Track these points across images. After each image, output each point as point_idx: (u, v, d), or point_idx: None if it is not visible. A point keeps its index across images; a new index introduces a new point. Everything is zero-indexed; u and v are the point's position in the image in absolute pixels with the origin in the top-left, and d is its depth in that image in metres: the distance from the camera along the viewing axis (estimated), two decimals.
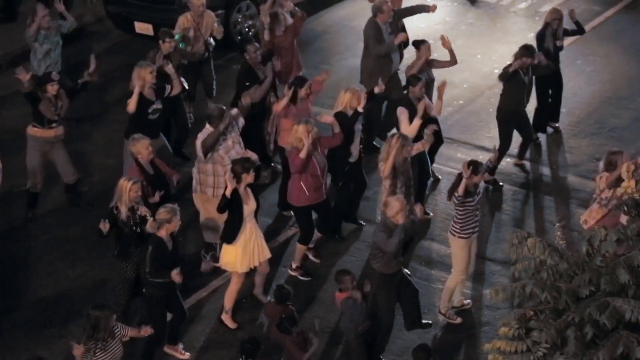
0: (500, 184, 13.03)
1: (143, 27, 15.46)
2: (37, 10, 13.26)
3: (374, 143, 13.28)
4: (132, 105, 11.69)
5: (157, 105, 11.90)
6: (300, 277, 11.44)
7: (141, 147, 10.71)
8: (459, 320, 10.86)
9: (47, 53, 13.37)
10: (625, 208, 7.73)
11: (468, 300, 11.09)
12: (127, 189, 10.01)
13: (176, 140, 13.10)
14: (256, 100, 12.29)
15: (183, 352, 10.36)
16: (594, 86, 15.24)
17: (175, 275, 9.66)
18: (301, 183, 11.02)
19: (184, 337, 10.52)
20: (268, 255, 10.73)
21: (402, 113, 11.82)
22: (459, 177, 10.45)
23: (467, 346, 10.68)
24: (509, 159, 13.38)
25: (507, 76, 12.59)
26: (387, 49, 13.17)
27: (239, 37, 15.65)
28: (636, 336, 6.87)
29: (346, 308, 9.81)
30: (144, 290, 10.00)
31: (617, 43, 16.40)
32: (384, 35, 13.24)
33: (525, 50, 12.64)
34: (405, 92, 12.18)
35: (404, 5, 14.83)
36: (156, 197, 10.53)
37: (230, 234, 10.42)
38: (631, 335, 6.88)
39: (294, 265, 11.54)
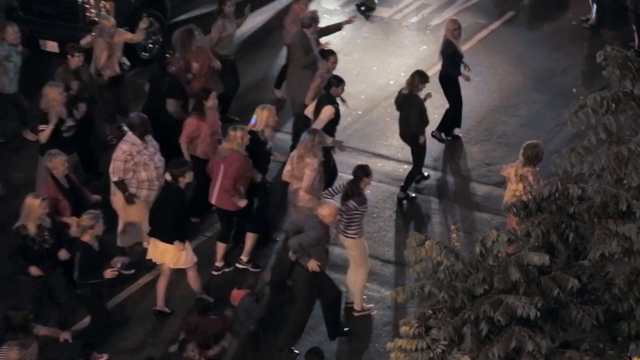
0: (413, 195, 13.14)
1: (49, 45, 15.17)
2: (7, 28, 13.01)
3: None
4: (44, 136, 11.60)
5: (70, 123, 11.76)
6: (251, 270, 11.45)
7: (57, 163, 10.63)
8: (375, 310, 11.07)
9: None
10: (515, 210, 7.88)
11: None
12: (35, 206, 9.88)
13: (91, 156, 12.84)
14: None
15: (100, 355, 10.22)
16: (482, 95, 15.50)
17: (108, 273, 9.77)
18: (241, 188, 11.11)
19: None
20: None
21: (327, 109, 12.03)
22: (353, 183, 10.70)
23: (370, 345, 10.76)
24: (405, 166, 13.51)
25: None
26: (313, 59, 13.29)
27: (144, 53, 15.48)
28: (527, 331, 7.02)
29: (245, 304, 9.79)
30: (78, 292, 9.91)
31: (502, 54, 16.71)
32: (312, 45, 13.32)
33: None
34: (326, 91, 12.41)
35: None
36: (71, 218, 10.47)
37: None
38: (523, 330, 7.02)
39: (244, 259, 11.51)
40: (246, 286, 9.93)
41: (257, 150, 11.53)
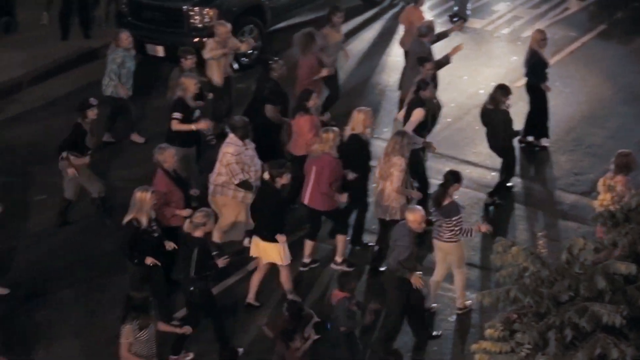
0: (500, 202, 13.04)
1: (155, 49, 15.50)
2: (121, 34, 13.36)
3: None
4: (177, 124, 11.97)
5: (199, 114, 12.24)
6: (347, 269, 11.49)
7: (167, 156, 10.84)
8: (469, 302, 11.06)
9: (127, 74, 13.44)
10: (602, 219, 7.77)
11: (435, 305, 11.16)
12: (147, 199, 10.08)
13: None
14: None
15: (186, 354, 10.31)
16: (571, 107, 15.29)
17: (221, 262, 9.98)
18: (333, 189, 11.20)
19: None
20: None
21: (418, 112, 12.05)
22: (443, 187, 10.68)
23: (455, 346, 10.71)
24: (493, 173, 13.41)
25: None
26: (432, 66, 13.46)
27: (244, 58, 15.69)
28: (612, 338, 6.89)
29: (341, 307, 9.83)
30: (192, 289, 9.95)
31: (592, 67, 16.45)
32: (430, 53, 13.64)
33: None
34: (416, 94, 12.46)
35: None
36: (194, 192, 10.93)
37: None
38: (608, 338, 6.90)
39: (339, 260, 11.59)
40: (347, 289, 9.92)
41: (362, 152, 11.54)
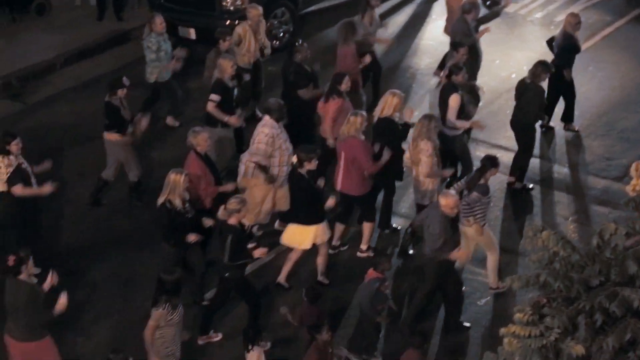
0: (530, 186, 12.96)
1: (187, 32, 15.51)
2: (155, 18, 13.33)
3: None
4: (213, 107, 11.96)
5: (237, 94, 12.25)
6: (372, 255, 11.47)
7: (201, 139, 10.85)
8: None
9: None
10: (634, 204, 7.67)
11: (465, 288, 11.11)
12: (180, 181, 10.09)
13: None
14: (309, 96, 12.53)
15: (215, 334, 10.35)
16: (604, 91, 15.12)
17: (257, 252, 9.95)
18: (365, 173, 11.14)
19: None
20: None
21: (455, 97, 12.01)
22: (478, 173, 10.53)
23: (484, 330, 10.68)
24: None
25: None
26: (473, 43, 13.50)
27: (275, 41, 15.66)
28: None
29: (370, 287, 9.80)
30: (226, 275, 9.96)
31: (627, 52, 16.25)
32: (471, 31, 13.54)
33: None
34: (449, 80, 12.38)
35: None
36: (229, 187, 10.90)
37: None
38: (638, 323, 6.82)
39: (364, 247, 11.58)
40: (380, 269, 9.90)
41: (393, 134, 11.48)
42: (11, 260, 8.84)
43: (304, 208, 10.71)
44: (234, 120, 12.15)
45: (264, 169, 11.27)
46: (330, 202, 10.84)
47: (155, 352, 9.09)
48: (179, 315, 9.07)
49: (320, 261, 11.05)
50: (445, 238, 10.11)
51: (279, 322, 10.45)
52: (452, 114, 12.10)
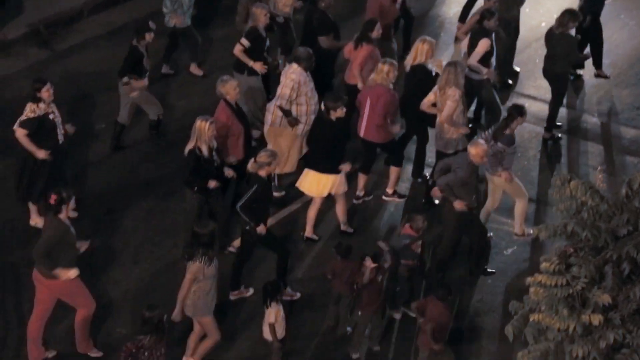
0: (559, 135, 12.86)
1: None
2: None
3: None
4: (239, 51, 11.89)
5: (269, 44, 12.17)
6: (397, 200, 11.55)
7: (229, 88, 10.81)
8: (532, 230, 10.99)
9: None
10: None
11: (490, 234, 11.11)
12: (206, 128, 10.07)
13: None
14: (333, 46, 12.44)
15: (246, 289, 10.35)
16: (636, 39, 14.89)
17: (260, 229, 9.80)
18: (388, 121, 11.09)
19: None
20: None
21: (484, 42, 11.91)
22: (505, 122, 10.55)
23: (510, 279, 10.66)
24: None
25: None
26: None
27: None
28: None
29: (400, 242, 9.81)
30: (247, 228, 9.91)
31: None
32: None
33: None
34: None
35: None
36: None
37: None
38: None
39: (390, 191, 11.57)
40: (415, 228, 9.85)
41: (426, 82, 11.39)
42: (53, 199, 8.93)
43: (326, 156, 10.66)
44: (258, 66, 12.04)
45: (286, 112, 11.23)
46: (346, 167, 10.74)
47: (191, 305, 9.06)
48: (214, 267, 9.06)
49: (340, 211, 11.04)
50: (470, 185, 10.07)
51: (307, 276, 10.51)
52: (475, 57, 11.98)
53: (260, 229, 9.81)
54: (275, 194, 11.27)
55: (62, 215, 9.01)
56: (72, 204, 9.13)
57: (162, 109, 12.30)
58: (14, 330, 9.72)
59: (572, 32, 12.58)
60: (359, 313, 9.53)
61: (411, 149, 12.01)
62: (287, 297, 10.04)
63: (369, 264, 9.33)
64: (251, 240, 10.00)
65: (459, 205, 10.01)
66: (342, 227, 11.10)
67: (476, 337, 9.99)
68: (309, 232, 11.05)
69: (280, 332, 9.29)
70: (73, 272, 9.02)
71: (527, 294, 7.16)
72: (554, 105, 12.73)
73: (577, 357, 7.01)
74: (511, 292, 10.30)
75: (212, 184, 10.16)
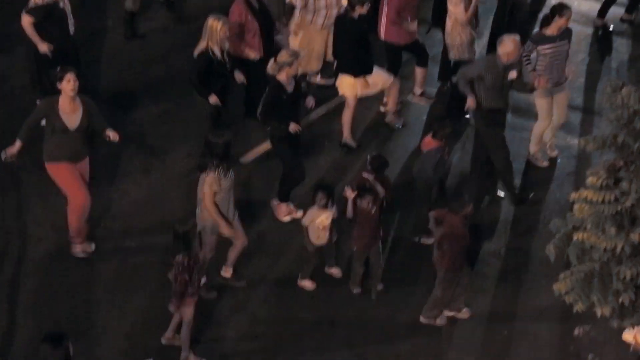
0: (610, 28, 12.45)
1: None
2: None
3: None
4: None
5: None
6: (422, 104, 11.35)
7: None
8: (545, 163, 10.61)
9: None
10: None
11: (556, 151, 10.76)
12: (218, 28, 9.73)
13: None
14: None
15: (296, 210, 9.95)
16: None
17: (293, 127, 9.50)
18: (401, 17, 10.85)
19: None
20: None
21: None
22: (543, 23, 10.19)
23: (552, 195, 10.30)
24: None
25: None
26: None
27: None
28: None
29: (434, 156, 9.45)
30: (268, 128, 9.66)
31: None
32: None
33: None
34: None
35: None
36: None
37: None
38: None
39: (418, 91, 11.43)
40: (440, 136, 9.44)
41: None
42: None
43: (350, 56, 10.36)
44: None
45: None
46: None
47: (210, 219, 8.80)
48: (230, 179, 8.76)
49: (346, 118, 10.75)
50: (498, 85, 9.68)
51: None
52: None
53: (293, 127, 9.49)
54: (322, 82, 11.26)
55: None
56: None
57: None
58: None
59: None
60: (354, 248, 9.21)
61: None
62: (287, 215, 9.84)
63: (349, 194, 8.96)
64: (280, 142, 9.64)
65: (470, 102, 9.76)
66: (345, 137, 10.84)
67: (510, 258, 9.63)
68: (346, 136, 10.79)
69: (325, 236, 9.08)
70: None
71: (571, 211, 7.01)
72: None
73: (625, 279, 6.97)
74: (552, 208, 9.98)
75: (213, 99, 9.79)
